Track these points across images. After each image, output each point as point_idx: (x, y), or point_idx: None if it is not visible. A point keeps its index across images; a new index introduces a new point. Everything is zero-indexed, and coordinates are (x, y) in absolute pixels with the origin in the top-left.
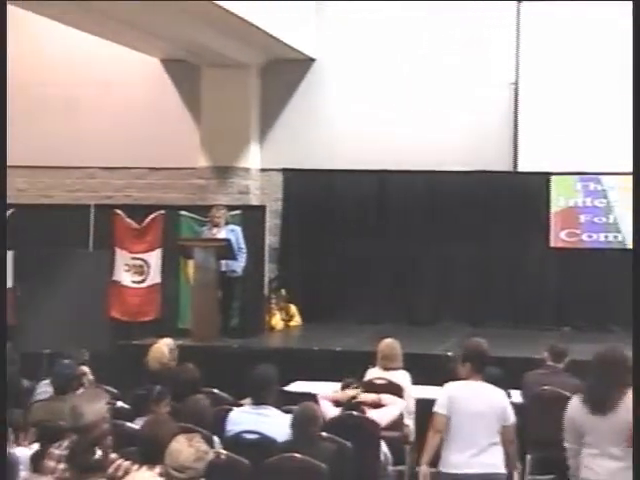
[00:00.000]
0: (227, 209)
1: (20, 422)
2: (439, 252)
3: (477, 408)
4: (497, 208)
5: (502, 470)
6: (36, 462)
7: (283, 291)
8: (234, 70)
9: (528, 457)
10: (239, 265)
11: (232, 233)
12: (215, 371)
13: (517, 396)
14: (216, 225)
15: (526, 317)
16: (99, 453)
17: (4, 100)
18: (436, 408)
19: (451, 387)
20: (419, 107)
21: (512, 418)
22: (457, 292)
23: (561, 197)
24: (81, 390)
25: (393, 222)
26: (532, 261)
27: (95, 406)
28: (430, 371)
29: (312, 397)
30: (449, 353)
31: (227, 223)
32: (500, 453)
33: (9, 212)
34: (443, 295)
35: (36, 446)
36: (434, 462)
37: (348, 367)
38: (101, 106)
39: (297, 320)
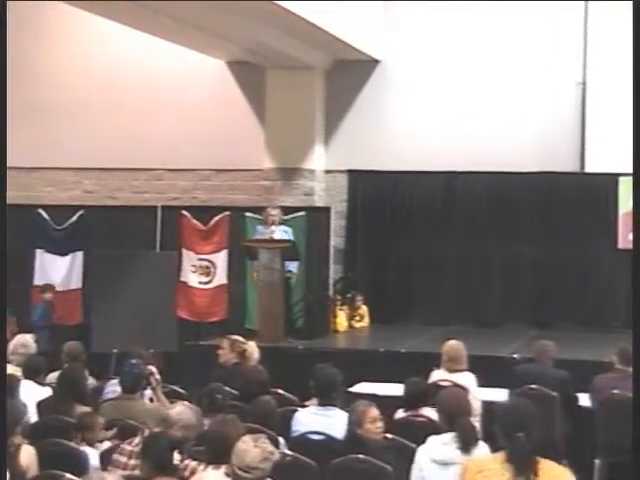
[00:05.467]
0: (281, 210)
1: (89, 421)
2: (506, 253)
3: None
4: (565, 209)
5: None
6: (107, 458)
7: (351, 292)
8: (299, 72)
9: (597, 462)
10: (295, 266)
11: (285, 234)
12: (281, 372)
13: (586, 400)
14: (272, 224)
15: (594, 319)
16: (177, 457)
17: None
18: None
19: None
20: (485, 108)
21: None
22: (524, 293)
23: (630, 198)
24: (148, 390)
25: (459, 223)
26: (600, 262)
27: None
28: (496, 373)
29: (376, 398)
30: (515, 355)
31: (280, 223)
32: None
33: (78, 214)
34: (510, 296)
35: (106, 444)
36: None
37: (413, 369)
38: (167, 108)
39: (366, 321)
